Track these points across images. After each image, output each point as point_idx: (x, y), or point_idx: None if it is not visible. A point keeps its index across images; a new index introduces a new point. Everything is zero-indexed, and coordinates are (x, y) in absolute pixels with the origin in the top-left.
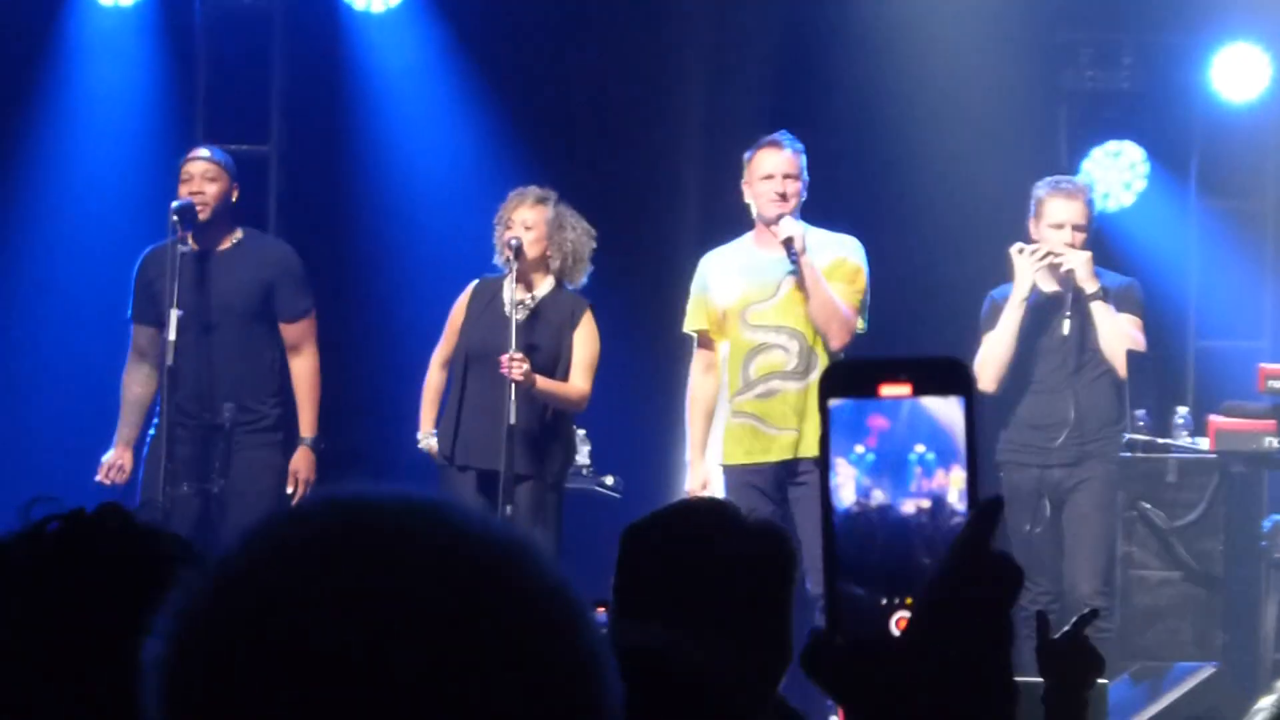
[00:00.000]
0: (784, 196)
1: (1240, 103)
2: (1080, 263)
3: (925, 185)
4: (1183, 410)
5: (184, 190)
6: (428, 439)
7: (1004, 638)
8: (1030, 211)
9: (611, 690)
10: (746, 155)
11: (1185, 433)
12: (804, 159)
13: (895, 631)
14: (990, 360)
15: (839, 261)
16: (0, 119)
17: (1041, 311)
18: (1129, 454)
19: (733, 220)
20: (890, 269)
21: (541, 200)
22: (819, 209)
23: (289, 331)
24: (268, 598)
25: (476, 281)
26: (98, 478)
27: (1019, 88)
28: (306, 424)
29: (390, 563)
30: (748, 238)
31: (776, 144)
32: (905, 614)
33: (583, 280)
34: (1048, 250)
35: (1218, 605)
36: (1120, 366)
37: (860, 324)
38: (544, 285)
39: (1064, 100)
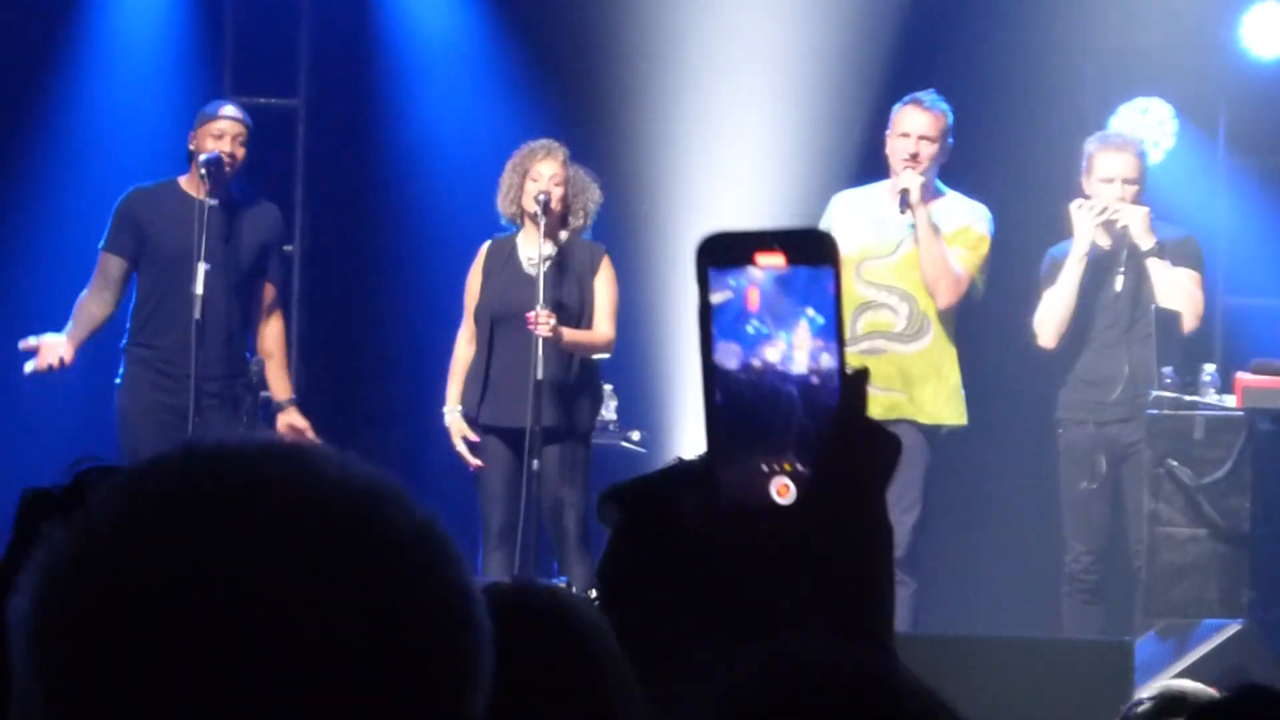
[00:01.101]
0: (915, 157)
1: (1269, 59)
2: (1137, 218)
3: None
4: (1210, 368)
5: (213, 145)
6: (453, 413)
7: (883, 502)
8: (1082, 167)
9: (481, 629)
10: (894, 108)
11: (1212, 390)
12: (949, 120)
13: (777, 498)
14: (1050, 316)
15: (963, 229)
16: (31, 71)
17: (1096, 268)
18: (1156, 411)
19: (768, 174)
20: None
21: (567, 157)
22: (849, 168)
23: (272, 292)
24: (123, 549)
25: (489, 243)
26: (31, 361)
27: (1047, 44)
28: (288, 386)
29: (245, 509)
30: (882, 187)
31: (918, 103)
32: (784, 480)
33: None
34: (1105, 206)
35: (1244, 562)
36: (1180, 323)
37: (977, 290)
38: (560, 238)
39: (1092, 57)
